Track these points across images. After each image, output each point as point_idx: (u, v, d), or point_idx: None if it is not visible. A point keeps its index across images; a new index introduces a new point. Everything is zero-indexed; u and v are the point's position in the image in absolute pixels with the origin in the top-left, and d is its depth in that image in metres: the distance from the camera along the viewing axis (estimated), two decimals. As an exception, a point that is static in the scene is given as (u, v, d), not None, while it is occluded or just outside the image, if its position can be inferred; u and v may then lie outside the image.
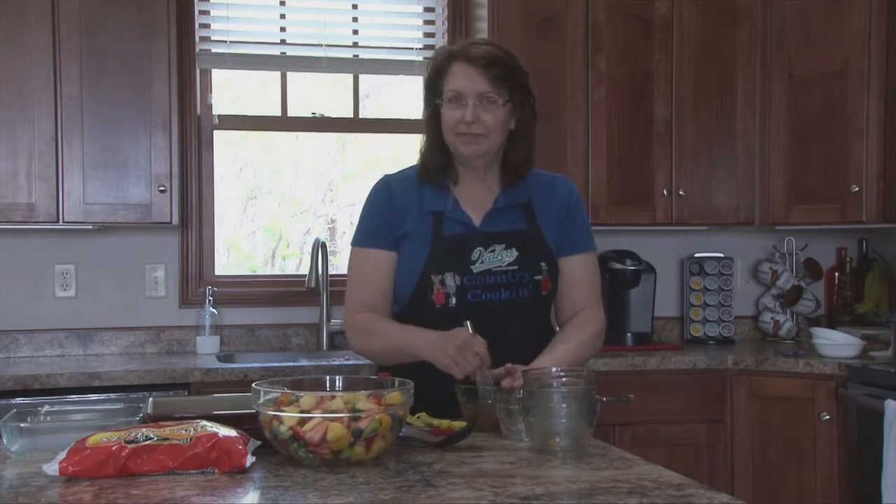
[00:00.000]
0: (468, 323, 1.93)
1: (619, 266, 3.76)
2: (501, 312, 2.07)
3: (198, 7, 3.69)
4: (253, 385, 1.64)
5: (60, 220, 3.28)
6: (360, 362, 3.24)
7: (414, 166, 2.18)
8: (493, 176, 2.15)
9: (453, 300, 2.06)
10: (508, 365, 1.93)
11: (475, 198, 2.13)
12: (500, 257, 2.08)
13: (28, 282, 3.57)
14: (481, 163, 2.12)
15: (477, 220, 2.12)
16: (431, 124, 2.11)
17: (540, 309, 2.16)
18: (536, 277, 2.10)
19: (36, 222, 3.28)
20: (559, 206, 2.17)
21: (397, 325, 2.10)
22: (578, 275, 2.17)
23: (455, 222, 2.10)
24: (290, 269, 4.10)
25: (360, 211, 2.21)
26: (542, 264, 2.11)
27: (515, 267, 2.08)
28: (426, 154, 2.14)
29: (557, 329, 2.21)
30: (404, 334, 2.06)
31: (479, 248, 2.08)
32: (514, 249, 2.09)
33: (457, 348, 1.90)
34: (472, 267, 2.07)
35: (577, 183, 3.58)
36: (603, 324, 2.20)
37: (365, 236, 2.15)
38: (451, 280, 2.06)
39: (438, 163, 2.12)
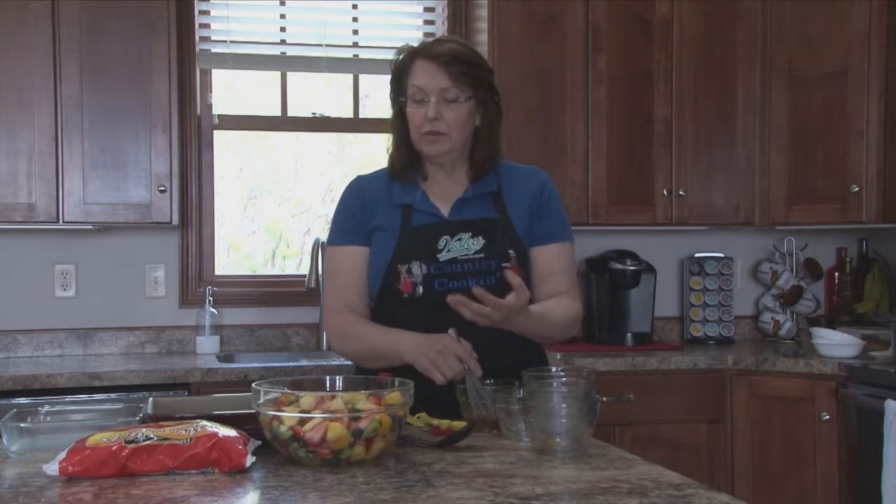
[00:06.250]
0: (453, 330, 1.93)
1: (619, 266, 3.76)
2: (469, 301, 2.07)
3: (198, 7, 3.70)
4: (253, 385, 1.64)
5: (60, 220, 3.29)
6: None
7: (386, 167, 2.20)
8: (462, 171, 2.16)
9: (420, 289, 2.06)
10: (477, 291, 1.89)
11: (444, 190, 2.15)
12: (466, 245, 2.08)
13: (28, 282, 3.57)
14: (447, 160, 2.13)
15: (445, 210, 2.13)
16: (397, 123, 2.14)
17: None
18: (504, 265, 2.08)
19: (36, 222, 3.28)
20: (531, 197, 2.16)
21: (378, 327, 2.09)
22: (555, 265, 2.15)
23: (424, 213, 2.12)
24: (290, 269, 4.10)
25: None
26: (510, 252, 2.10)
27: (482, 255, 2.08)
28: (393, 153, 2.16)
29: None
30: (386, 337, 2.05)
31: (446, 237, 2.08)
32: (480, 237, 2.09)
33: (437, 353, 1.90)
34: (438, 255, 2.07)
35: (576, 183, 3.64)
36: (579, 312, 2.17)
37: (337, 235, 2.17)
38: (418, 269, 2.06)
39: (405, 161, 2.14)
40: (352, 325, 2.11)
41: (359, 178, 2.23)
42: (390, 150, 2.17)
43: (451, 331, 1.93)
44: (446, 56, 2.05)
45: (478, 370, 1.89)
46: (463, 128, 2.08)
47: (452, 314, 1.93)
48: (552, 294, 2.14)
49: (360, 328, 2.10)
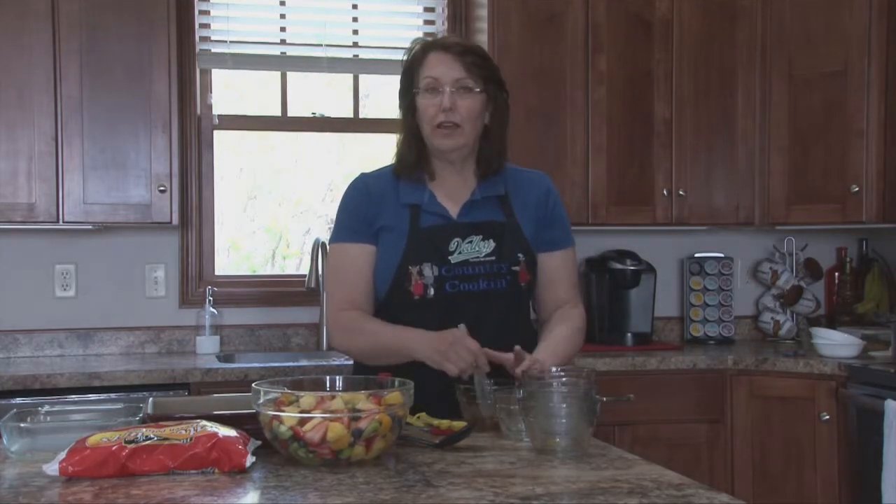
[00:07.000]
0: (463, 325, 1.93)
1: (619, 266, 3.76)
2: (480, 303, 2.07)
3: (198, 7, 3.69)
4: (253, 385, 1.64)
5: (60, 220, 3.28)
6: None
7: (391, 165, 2.20)
8: (469, 170, 2.16)
9: (431, 291, 2.06)
10: (517, 348, 1.92)
11: (452, 191, 2.15)
12: (477, 248, 2.09)
13: (28, 282, 3.57)
14: (457, 156, 2.13)
15: (454, 211, 2.13)
16: (408, 118, 2.14)
17: (518, 299, 2.16)
18: (514, 268, 2.10)
19: (36, 222, 3.28)
20: (537, 202, 2.18)
21: (385, 324, 2.09)
22: (562, 271, 2.20)
23: (432, 214, 2.11)
24: (290, 269, 4.10)
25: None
26: (520, 255, 2.11)
27: (493, 258, 2.09)
28: (402, 149, 2.16)
29: (534, 318, 2.24)
30: (395, 333, 2.05)
31: (457, 239, 2.09)
32: (491, 240, 2.10)
33: (449, 345, 1.91)
34: (449, 257, 2.07)
35: (576, 183, 3.64)
36: (584, 318, 2.22)
37: (342, 232, 2.17)
38: (429, 271, 2.06)
39: (414, 157, 2.13)
40: (358, 322, 2.10)
41: (363, 175, 2.22)
42: (399, 147, 2.16)
43: (461, 326, 1.94)
44: (460, 47, 2.09)
45: (485, 366, 1.90)
46: (475, 121, 2.09)
47: (463, 316, 1.95)
48: (557, 300, 2.18)
49: (368, 324, 2.10)
